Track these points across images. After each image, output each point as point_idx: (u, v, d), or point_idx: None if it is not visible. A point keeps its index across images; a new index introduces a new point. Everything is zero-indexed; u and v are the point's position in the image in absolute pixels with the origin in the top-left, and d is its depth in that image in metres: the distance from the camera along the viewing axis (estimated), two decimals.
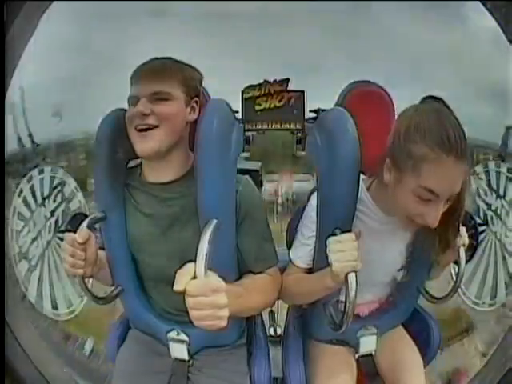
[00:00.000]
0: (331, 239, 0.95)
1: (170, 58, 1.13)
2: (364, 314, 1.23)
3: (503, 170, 2.11)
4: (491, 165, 2.13)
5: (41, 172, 2.21)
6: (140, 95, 1.06)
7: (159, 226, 1.11)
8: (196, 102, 1.14)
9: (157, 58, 1.11)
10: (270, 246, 1.15)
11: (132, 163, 1.20)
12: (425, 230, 1.07)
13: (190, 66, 1.15)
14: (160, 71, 1.08)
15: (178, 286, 0.75)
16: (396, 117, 1.03)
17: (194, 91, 1.13)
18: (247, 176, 1.14)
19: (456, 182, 0.91)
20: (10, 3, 1.13)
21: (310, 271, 1.14)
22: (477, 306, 2.13)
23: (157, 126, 1.05)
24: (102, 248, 1.14)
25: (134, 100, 1.07)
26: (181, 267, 0.77)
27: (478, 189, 2.16)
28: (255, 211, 1.11)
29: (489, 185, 2.14)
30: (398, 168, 0.95)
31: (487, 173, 2.14)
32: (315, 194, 1.11)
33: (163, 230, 1.10)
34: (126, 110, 1.10)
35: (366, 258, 0.94)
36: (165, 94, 1.06)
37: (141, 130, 1.05)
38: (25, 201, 2.16)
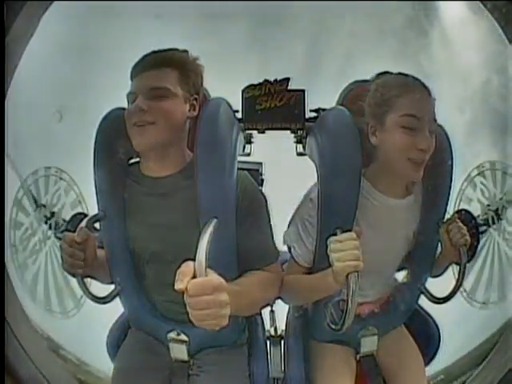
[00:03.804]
0: (332, 239, 0.95)
1: (171, 50, 1.12)
2: (364, 314, 1.23)
3: (504, 169, 2.10)
4: (491, 165, 2.13)
5: (41, 172, 2.21)
6: (138, 92, 1.06)
7: (156, 221, 1.10)
8: (196, 99, 1.13)
9: (156, 52, 1.10)
10: (271, 242, 1.14)
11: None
12: (426, 227, 1.08)
13: (193, 59, 1.13)
14: (158, 67, 1.07)
15: (178, 286, 0.74)
16: None
17: (194, 88, 1.13)
18: (246, 172, 1.14)
19: (429, 107, 1.06)
20: (11, 3, 1.13)
21: (310, 271, 1.14)
22: (486, 307, 2.11)
23: (153, 123, 1.05)
24: (101, 247, 1.14)
25: (132, 96, 1.07)
26: (180, 266, 0.76)
27: (478, 189, 2.16)
28: (255, 207, 1.11)
29: (489, 185, 2.13)
30: (380, 118, 1.06)
31: (488, 173, 2.14)
32: (315, 189, 1.11)
33: (160, 224, 1.10)
34: (125, 109, 1.10)
35: (366, 248, 0.94)
36: (163, 90, 1.06)
37: (138, 126, 1.05)
38: (25, 201, 2.16)
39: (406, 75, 1.11)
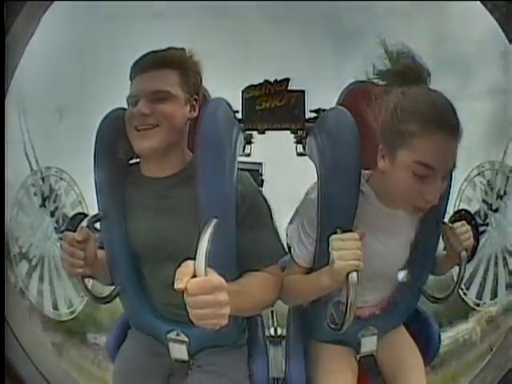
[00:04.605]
0: (334, 237, 0.95)
1: (169, 50, 1.12)
2: (365, 315, 1.23)
3: (504, 170, 2.11)
4: (491, 165, 2.13)
5: (41, 172, 2.21)
6: (139, 95, 1.06)
7: (156, 221, 1.10)
8: (196, 99, 1.13)
9: (155, 52, 1.10)
10: (271, 242, 1.14)
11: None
12: (426, 228, 1.07)
13: (192, 57, 1.14)
14: (158, 68, 1.07)
15: (178, 285, 0.74)
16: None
17: (194, 88, 1.13)
18: (247, 173, 1.14)
19: (449, 156, 0.93)
20: (11, 3, 1.13)
21: (310, 272, 1.14)
22: (477, 307, 2.13)
23: (157, 126, 1.05)
24: (102, 247, 1.14)
25: (133, 100, 1.07)
26: (179, 265, 0.77)
27: (478, 189, 2.16)
28: (256, 208, 1.11)
29: (489, 185, 2.14)
30: (391, 149, 0.96)
31: (488, 173, 2.14)
32: (314, 189, 1.11)
33: (160, 224, 1.10)
34: (125, 109, 1.10)
35: (367, 253, 0.93)
36: (164, 93, 1.06)
37: (140, 130, 1.05)
38: (25, 201, 2.16)
39: (436, 100, 0.91)
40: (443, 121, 0.89)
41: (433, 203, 0.95)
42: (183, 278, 0.74)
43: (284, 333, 1.43)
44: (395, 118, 0.94)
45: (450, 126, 0.90)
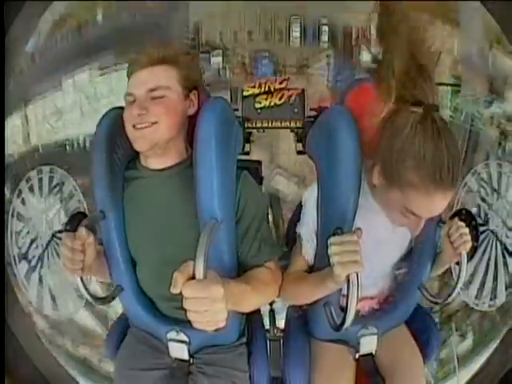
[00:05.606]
0: (333, 239, 0.93)
1: (166, 45, 1.11)
2: (364, 310, 1.23)
3: (504, 170, 2.11)
4: (492, 165, 2.13)
5: (39, 172, 2.21)
6: (136, 93, 1.05)
7: (156, 219, 1.10)
8: (195, 94, 1.13)
9: (152, 48, 1.09)
10: (271, 240, 1.14)
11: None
12: (426, 227, 1.07)
13: (188, 53, 1.13)
14: (155, 64, 1.07)
15: (174, 288, 0.74)
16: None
17: (192, 83, 1.12)
18: (246, 171, 1.14)
19: (441, 208, 0.92)
20: (11, 3, 1.12)
21: (311, 270, 1.14)
22: (476, 307, 2.13)
23: (156, 122, 1.04)
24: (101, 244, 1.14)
25: (130, 97, 1.07)
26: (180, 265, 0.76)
27: (478, 189, 2.16)
28: (255, 206, 1.11)
29: (490, 185, 2.14)
30: (387, 181, 0.95)
31: (488, 173, 2.14)
32: (315, 189, 1.11)
33: (160, 222, 1.10)
34: (123, 108, 1.10)
35: (365, 249, 0.93)
36: (162, 89, 1.05)
37: (139, 129, 1.05)
38: (24, 201, 2.16)
39: (444, 155, 0.84)
40: (446, 180, 0.86)
41: (413, 235, 1.01)
42: (179, 280, 0.74)
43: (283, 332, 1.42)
44: (400, 160, 0.89)
45: (451, 185, 0.88)
